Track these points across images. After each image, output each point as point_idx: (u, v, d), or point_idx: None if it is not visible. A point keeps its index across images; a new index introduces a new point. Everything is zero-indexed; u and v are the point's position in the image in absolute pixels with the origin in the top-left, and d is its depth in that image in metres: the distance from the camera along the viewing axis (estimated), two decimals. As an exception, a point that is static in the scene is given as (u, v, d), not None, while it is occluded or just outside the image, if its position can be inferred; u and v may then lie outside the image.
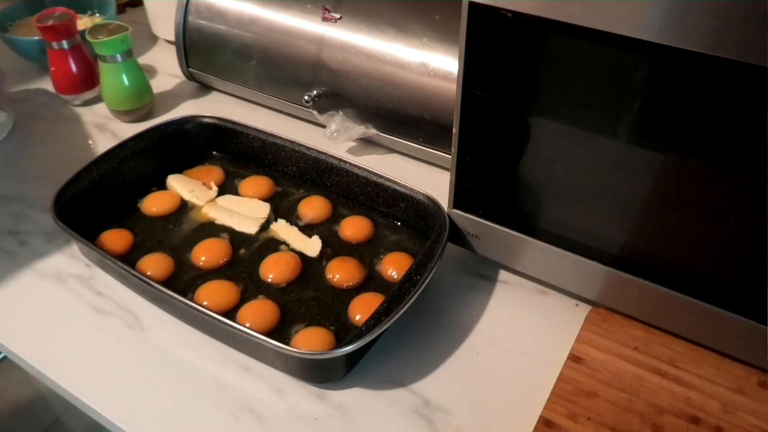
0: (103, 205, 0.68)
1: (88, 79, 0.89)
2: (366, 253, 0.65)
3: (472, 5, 0.47)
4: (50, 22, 0.84)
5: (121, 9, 1.13)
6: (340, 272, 0.62)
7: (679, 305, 0.53)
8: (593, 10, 0.43)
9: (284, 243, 0.66)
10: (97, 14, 1.03)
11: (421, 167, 0.78)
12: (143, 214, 0.70)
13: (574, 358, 0.56)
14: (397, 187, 0.65)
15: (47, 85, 0.94)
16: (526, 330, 0.59)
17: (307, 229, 0.68)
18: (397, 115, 0.75)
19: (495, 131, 0.55)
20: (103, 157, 0.69)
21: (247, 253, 0.65)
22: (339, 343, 0.55)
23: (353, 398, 0.54)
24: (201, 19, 0.85)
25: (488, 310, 0.61)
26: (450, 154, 0.69)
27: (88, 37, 0.79)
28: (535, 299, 0.62)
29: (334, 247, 0.66)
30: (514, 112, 0.53)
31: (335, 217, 0.69)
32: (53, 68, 0.87)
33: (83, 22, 0.99)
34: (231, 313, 0.59)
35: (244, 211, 0.70)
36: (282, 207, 0.71)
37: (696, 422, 0.51)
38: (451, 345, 0.58)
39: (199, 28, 0.85)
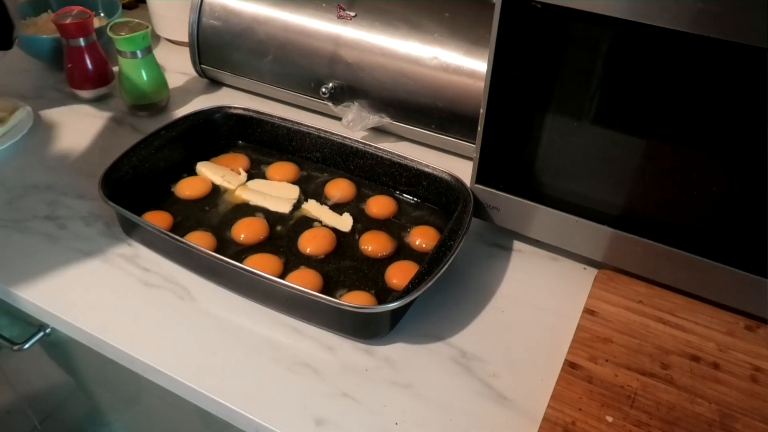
0: (142, 190, 0.73)
1: (102, 76, 0.92)
2: (393, 227, 0.71)
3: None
4: (68, 20, 0.87)
5: (134, 4, 1.16)
6: (373, 244, 0.68)
7: (677, 260, 0.61)
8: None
9: (317, 220, 0.72)
10: (102, 15, 1.06)
11: (430, 153, 0.84)
12: (178, 198, 0.75)
13: (588, 311, 0.63)
14: (422, 168, 0.72)
15: (57, 82, 0.97)
16: (542, 290, 0.67)
17: (337, 208, 0.73)
18: (410, 104, 0.81)
19: (518, 114, 0.62)
20: (139, 145, 0.73)
21: (283, 230, 0.71)
22: (380, 303, 0.61)
23: (398, 352, 0.60)
24: (214, 19, 0.90)
25: (507, 275, 0.69)
26: (462, 140, 0.77)
27: (110, 34, 0.83)
28: (548, 264, 0.70)
29: (363, 222, 0.72)
30: (537, 94, 0.60)
31: (360, 197, 0.75)
32: (69, 65, 0.91)
33: (96, 22, 1.02)
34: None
35: (275, 193, 0.75)
36: (309, 189, 0.76)
37: (696, 360, 0.59)
38: (478, 304, 0.65)
39: (212, 27, 0.90)
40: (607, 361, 0.59)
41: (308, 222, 0.72)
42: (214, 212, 0.73)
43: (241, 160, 0.80)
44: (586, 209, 0.64)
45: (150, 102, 0.90)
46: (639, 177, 0.60)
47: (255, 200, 0.74)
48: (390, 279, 0.65)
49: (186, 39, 0.93)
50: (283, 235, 0.70)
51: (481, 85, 0.68)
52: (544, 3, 0.54)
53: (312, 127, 0.77)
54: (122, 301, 0.64)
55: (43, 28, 1.02)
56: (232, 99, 0.95)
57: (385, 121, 0.83)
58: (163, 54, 1.07)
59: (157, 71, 0.89)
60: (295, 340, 0.61)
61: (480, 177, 0.68)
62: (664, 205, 0.60)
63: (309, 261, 0.67)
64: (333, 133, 0.77)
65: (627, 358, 0.59)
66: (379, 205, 0.73)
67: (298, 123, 0.78)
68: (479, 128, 0.64)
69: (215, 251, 0.67)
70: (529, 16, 0.55)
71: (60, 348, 0.82)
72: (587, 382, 0.57)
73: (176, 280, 0.66)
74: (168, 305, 0.64)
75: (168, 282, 0.66)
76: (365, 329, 0.60)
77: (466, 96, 0.77)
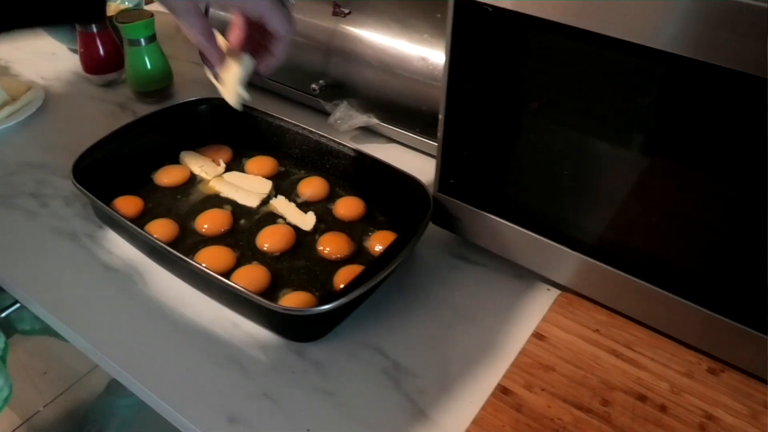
0: (120, 175, 0.74)
1: (113, 61, 0.95)
2: (357, 230, 0.70)
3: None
4: (84, 6, 0.90)
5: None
6: (330, 245, 0.67)
7: (640, 292, 0.57)
8: (569, 8, 0.47)
9: (282, 217, 0.71)
10: (126, 2, 1.09)
11: (419, 157, 0.82)
12: (156, 185, 0.76)
13: (537, 335, 0.60)
14: (388, 170, 0.70)
15: (75, 66, 1.01)
16: (498, 308, 0.63)
17: (305, 206, 0.73)
18: (397, 106, 0.79)
19: (478, 120, 0.59)
20: (119, 131, 0.75)
21: (246, 224, 0.71)
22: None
23: (330, 357, 0.59)
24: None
25: (465, 289, 0.66)
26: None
27: (116, 21, 0.86)
28: (510, 282, 0.67)
29: (327, 223, 0.71)
30: (498, 104, 0.57)
31: (332, 197, 0.74)
32: (82, 50, 0.94)
33: (112, 8, 1.06)
34: (226, 275, 0.64)
35: (247, 186, 0.75)
36: (284, 185, 0.76)
37: (643, 399, 0.55)
38: (427, 317, 0.63)
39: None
40: (543, 390, 0.55)
41: (273, 218, 0.72)
42: (185, 201, 0.74)
43: (224, 152, 0.80)
44: (549, 229, 0.60)
45: (154, 89, 0.92)
46: (606, 201, 0.56)
47: (226, 192, 0.74)
48: (338, 283, 0.63)
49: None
50: (245, 229, 0.70)
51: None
52: (495, 6, 0.51)
53: (291, 122, 0.77)
54: (79, 281, 0.66)
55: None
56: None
57: (373, 121, 0.82)
58: (182, 44, 1.09)
59: (161, 59, 0.91)
60: (231, 335, 0.61)
61: (442, 186, 0.65)
62: (632, 233, 0.56)
63: (264, 257, 0.67)
64: (311, 131, 0.76)
65: (566, 390, 0.55)
66: (346, 207, 0.72)
67: (278, 118, 0.78)
68: (438, 134, 0.62)
69: (176, 240, 0.68)
70: (483, 21, 0.53)
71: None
72: (515, 410, 0.54)
73: (134, 265, 0.68)
74: (121, 289, 0.65)
75: (126, 266, 0.68)
76: (296, 331, 0.59)
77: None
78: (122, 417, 1.38)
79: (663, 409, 0.54)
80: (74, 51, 1.04)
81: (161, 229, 0.68)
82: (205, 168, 0.77)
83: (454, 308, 0.64)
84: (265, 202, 0.73)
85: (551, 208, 0.60)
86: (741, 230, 0.49)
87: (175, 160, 0.79)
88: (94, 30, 0.92)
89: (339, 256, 0.66)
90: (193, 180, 0.77)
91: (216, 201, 0.74)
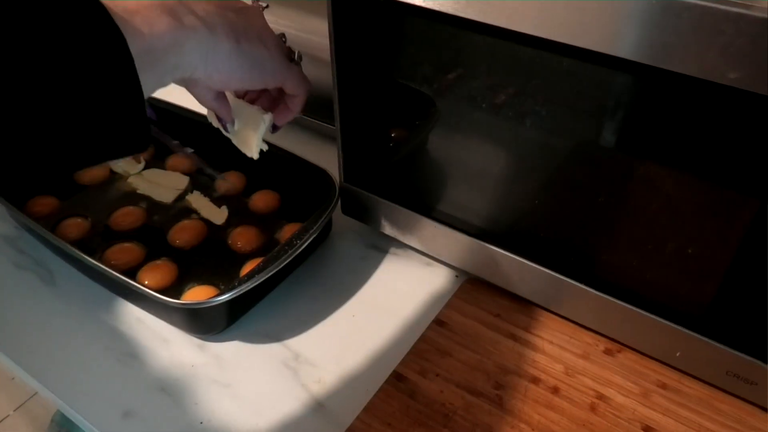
0: (37, 174, 0.74)
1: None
2: (270, 223, 0.70)
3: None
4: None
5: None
6: (240, 239, 0.67)
7: (536, 276, 0.57)
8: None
9: (196, 212, 0.71)
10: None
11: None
12: (76, 184, 0.76)
13: (438, 321, 0.60)
14: (298, 162, 0.70)
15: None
16: (403, 297, 0.64)
17: (221, 201, 0.73)
18: (316, 98, 0.79)
19: (371, 109, 0.59)
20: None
21: (160, 220, 0.71)
22: (222, 299, 0.60)
23: (231, 350, 0.59)
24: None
25: (374, 278, 0.66)
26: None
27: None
28: (420, 270, 0.67)
29: (241, 217, 0.71)
30: (390, 91, 0.57)
31: (248, 191, 0.74)
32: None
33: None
34: (133, 271, 0.64)
35: (164, 182, 0.75)
36: (202, 181, 0.76)
37: (536, 382, 0.55)
38: (332, 307, 0.63)
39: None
40: (437, 375, 0.55)
41: (188, 213, 0.72)
42: (102, 199, 0.74)
43: (148, 150, 0.80)
44: (448, 216, 0.61)
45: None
46: (502, 187, 0.56)
47: (143, 189, 0.74)
48: (243, 275, 0.63)
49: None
50: (158, 225, 0.70)
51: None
52: (369, -6, 0.51)
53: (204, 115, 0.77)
54: (-11, 280, 0.66)
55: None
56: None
57: (294, 114, 0.81)
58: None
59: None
60: (135, 331, 0.61)
61: (348, 176, 0.65)
62: (526, 217, 0.56)
63: (175, 253, 0.67)
64: (227, 125, 0.76)
65: (460, 375, 0.55)
66: (260, 200, 0.72)
67: (194, 113, 0.77)
68: (336, 124, 0.62)
69: (87, 238, 0.68)
70: (363, 8, 0.52)
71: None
72: (408, 397, 0.54)
73: (45, 265, 0.68)
74: (29, 287, 0.65)
75: (37, 265, 0.68)
76: (195, 324, 0.59)
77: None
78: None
79: (555, 391, 0.54)
80: None
81: (73, 227, 0.68)
82: (124, 165, 0.77)
83: (360, 298, 0.64)
84: (182, 197, 0.73)
85: (450, 195, 0.60)
86: (635, 212, 0.49)
87: (98, 159, 0.79)
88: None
89: (249, 249, 0.66)
90: (113, 177, 0.77)
91: (133, 198, 0.74)
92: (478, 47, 0.49)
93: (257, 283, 0.56)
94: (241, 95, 0.55)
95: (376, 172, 0.64)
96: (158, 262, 0.65)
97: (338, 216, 0.68)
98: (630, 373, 0.56)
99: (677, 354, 0.53)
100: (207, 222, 0.70)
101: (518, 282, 0.60)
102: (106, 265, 0.58)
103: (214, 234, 0.69)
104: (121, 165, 0.77)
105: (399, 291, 0.64)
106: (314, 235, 0.61)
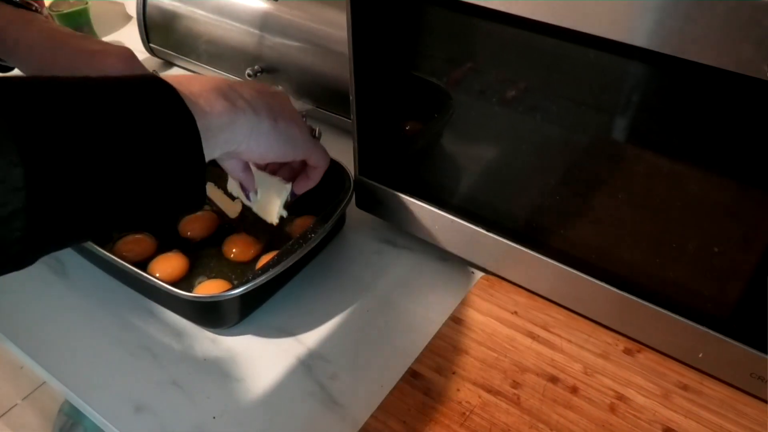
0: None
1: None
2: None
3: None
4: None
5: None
6: (236, 247, 0.66)
7: (556, 274, 0.56)
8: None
9: (208, 203, 0.70)
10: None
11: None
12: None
13: (454, 318, 0.59)
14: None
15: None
16: (418, 292, 0.63)
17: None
18: (331, 90, 0.78)
19: (390, 101, 0.58)
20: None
21: (171, 212, 0.70)
22: (236, 293, 0.59)
23: (244, 344, 0.58)
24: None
25: (388, 273, 0.65)
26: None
27: (48, 10, 0.85)
28: (435, 265, 0.66)
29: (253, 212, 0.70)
30: (406, 84, 0.56)
31: (261, 183, 0.73)
32: None
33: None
34: (145, 263, 0.63)
35: (176, 174, 0.74)
36: (214, 171, 0.75)
37: (554, 381, 0.54)
38: (346, 302, 0.62)
39: (157, 5, 0.90)
40: (453, 373, 0.55)
41: (200, 205, 0.71)
42: (113, 190, 0.73)
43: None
44: (464, 210, 0.60)
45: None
46: (519, 182, 0.55)
47: (155, 180, 0.73)
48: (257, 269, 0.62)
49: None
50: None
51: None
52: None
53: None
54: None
55: None
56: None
57: (307, 107, 0.81)
58: (129, 33, 1.08)
59: (101, 48, 0.90)
60: (147, 324, 0.60)
61: (363, 169, 0.64)
62: (545, 212, 0.55)
63: (186, 244, 0.66)
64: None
65: (477, 373, 0.55)
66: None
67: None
68: (352, 116, 0.60)
69: (99, 228, 0.68)
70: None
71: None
72: (423, 394, 0.53)
73: (57, 256, 0.67)
74: (41, 279, 0.65)
75: (49, 257, 0.66)
76: (208, 318, 0.59)
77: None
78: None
79: (574, 390, 0.53)
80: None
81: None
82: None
83: (375, 293, 0.63)
84: (194, 189, 0.72)
85: (466, 189, 0.59)
86: (658, 210, 0.48)
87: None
88: (33, 19, 0.90)
89: (243, 259, 0.65)
90: (124, 168, 0.76)
91: (144, 189, 0.73)
92: (496, 38, 0.48)
93: (271, 277, 0.55)
94: (262, 167, 0.59)
95: (392, 165, 0.63)
96: (169, 254, 0.64)
97: (352, 210, 0.67)
98: (650, 373, 0.55)
99: (700, 355, 0.51)
100: (219, 213, 0.69)
101: (536, 279, 0.59)
102: (118, 257, 0.58)
103: (228, 227, 0.68)
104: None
105: (414, 287, 0.63)
106: (329, 229, 0.60)
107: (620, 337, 0.57)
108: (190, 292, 0.59)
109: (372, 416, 0.51)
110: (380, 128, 0.60)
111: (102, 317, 0.61)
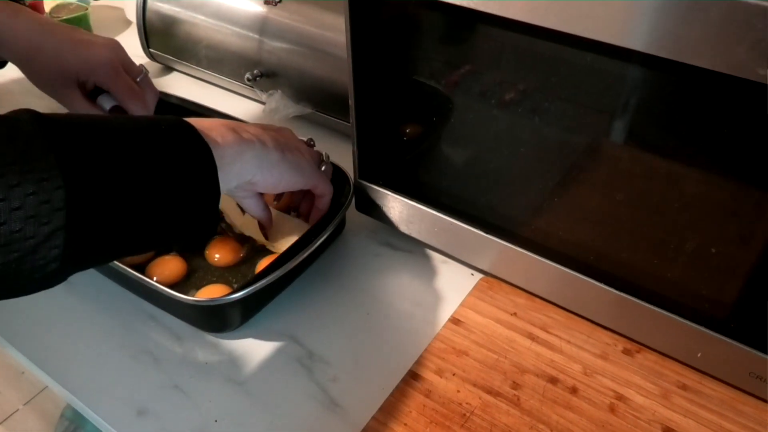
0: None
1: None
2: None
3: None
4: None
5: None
6: (220, 253, 0.66)
7: (555, 275, 0.57)
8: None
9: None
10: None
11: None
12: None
13: (454, 320, 0.59)
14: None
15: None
16: (419, 295, 0.63)
17: (233, 197, 0.72)
18: (330, 94, 0.79)
19: (388, 104, 0.59)
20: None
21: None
22: (237, 297, 0.59)
23: (245, 347, 0.59)
24: (159, 1, 0.90)
25: (388, 276, 0.65)
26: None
27: (49, 16, 0.85)
28: (435, 268, 0.66)
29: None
30: (405, 88, 0.57)
31: (260, 187, 0.73)
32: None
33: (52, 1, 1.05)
34: (143, 266, 0.63)
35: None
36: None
37: (554, 382, 0.54)
38: (346, 305, 0.62)
39: (157, 10, 0.90)
40: (454, 375, 0.55)
41: (200, 209, 0.71)
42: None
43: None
44: (464, 213, 0.60)
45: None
46: (518, 184, 0.55)
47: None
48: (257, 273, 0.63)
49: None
50: (170, 221, 0.70)
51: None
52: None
53: (213, 110, 0.76)
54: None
55: None
56: (178, 83, 0.95)
57: (307, 110, 0.81)
58: (130, 38, 1.08)
59: (101, 53, 0.90)
60: (149, 328, 0.60)
61: (362, 172, 0.65)
62: (544, 214, 0.55)
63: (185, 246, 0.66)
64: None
65: (477, 374, 0.55)
66: (272, 197, 0.71)
67: (199, 105, 0.77)
68: (351, 120, 0.61)
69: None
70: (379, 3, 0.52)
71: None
72: (424, 396, 0.53)
73: (58, 260, 0.67)
74: (42, 284, 0.65)
75: (50, 261, 0.67)
76: (208, 322, 0.59)
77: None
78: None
79: (574, 391, 0.54)
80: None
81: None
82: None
83: (374, 296, 0.63)
84: (194, 193, 0.73)
85: (466, 192, 0.59)
86: (655, 210, 0.48)
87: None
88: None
89: (224, 264, 0.65)
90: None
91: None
92: (494, 42, 0.49)
93: (272, 280, 0.56)
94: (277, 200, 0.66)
95: (391, 168, 0.63)
96: (167, 257, 0.64)
97: (352, 213, 0.67)
98: (649, 373, 0.55)
99: (699, 355, 0.52)
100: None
101: (535, 280, 0.59)
102: (119, 261, 0.58)
103: (225, 229, 0.68)
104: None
105: (414, 289, 0.64)
106: (329, 232, 0.61)
107: (619, 338, 0.57)
108: (188, 294, 0.59)
109: (373, 418, 0.52)
110: (379, 132, 0.61)
111: (103, 321, 0.61)
